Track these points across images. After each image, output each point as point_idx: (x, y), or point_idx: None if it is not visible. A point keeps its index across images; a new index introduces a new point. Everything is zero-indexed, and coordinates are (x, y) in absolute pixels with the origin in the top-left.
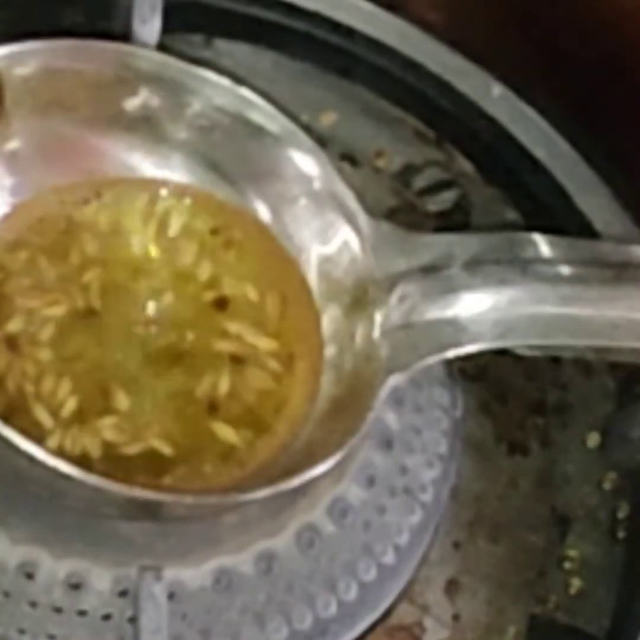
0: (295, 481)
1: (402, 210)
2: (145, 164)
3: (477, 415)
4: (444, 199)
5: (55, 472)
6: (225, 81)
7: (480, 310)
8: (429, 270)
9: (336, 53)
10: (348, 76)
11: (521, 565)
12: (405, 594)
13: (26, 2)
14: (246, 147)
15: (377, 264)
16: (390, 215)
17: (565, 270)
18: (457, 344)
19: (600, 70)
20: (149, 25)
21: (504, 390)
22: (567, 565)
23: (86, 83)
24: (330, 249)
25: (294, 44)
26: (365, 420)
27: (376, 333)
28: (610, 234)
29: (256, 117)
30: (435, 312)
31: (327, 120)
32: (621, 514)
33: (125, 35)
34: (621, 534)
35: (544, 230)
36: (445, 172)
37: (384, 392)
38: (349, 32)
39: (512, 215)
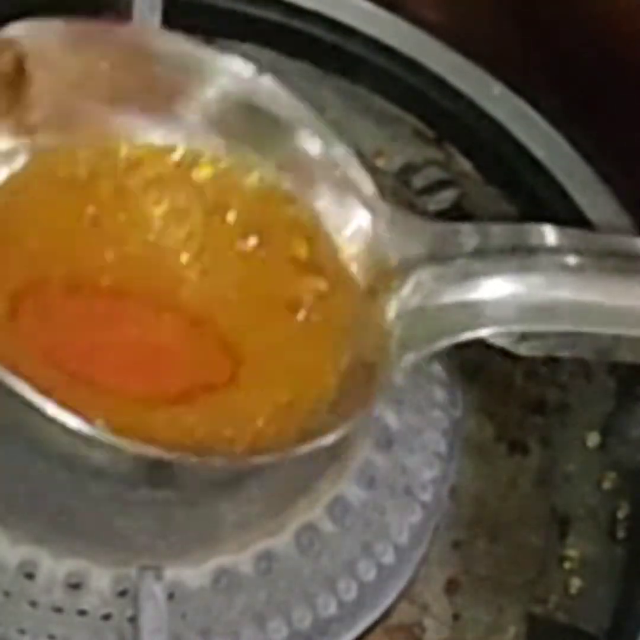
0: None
1: None
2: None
3: (477, 415)
4: (444, 198)
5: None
6: (245, 66)
7: (496, 295)
8: (445, 256)
9: (336, 53)
10: (348, 76)
11: (521, 565)
12: (405, 594)
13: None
14: (262, 132)
15: (393, 249)
16: None
17: (582, 260)
18: (472, 328)
19: (600, 70)
20: (148, 25)
21: (504, 390)
22: (567, 565)
23: (105, 63)
24: (346, 233)
25: (294, 44)
26: (377, 396)
27: (391, 316)
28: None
29: (271, 103)
30: (451, 297)
31: (326, 119)
32: (621, 514)
33: None
34: (621, 534)
35: None
36: (445, 171)
37: (399, 371)
38: (349, 32)
39: (512, 215)
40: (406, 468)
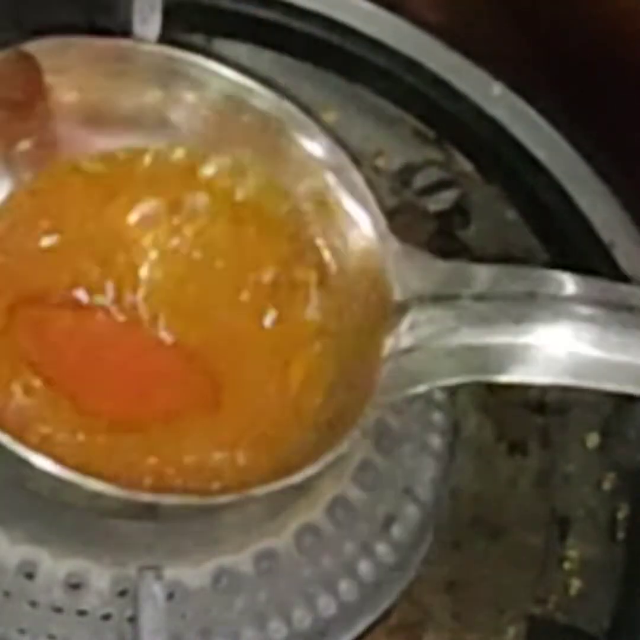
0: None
1: (402, 210)
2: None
3: (476, 415)
4: (444, 199)
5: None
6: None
7: (491, 343)
8: (445, 299)
9: (336, 53)
10: (348, 76)
11: (521, 565)
12: (405, 594)
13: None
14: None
15: (395, 286)
16: (390, 215)
17: (591, 311)
18: (455, 375)
19: (600, 70)
20: (149, 25)
21: (504, 389)
22: (567, 565)
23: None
24: (350, 265)
25: (294, 44)
26: (350, 437)
27: (380, 356)
28: (609, 233)
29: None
30: (444, 341)
31: (326, 120)
32: (621, 515)
33: (125, 35)
34: (621, 535)
35: (543, 230)
36: (445, 171)
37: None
38: (349, 32)
39: (511, 215)
40: (406, 468)
